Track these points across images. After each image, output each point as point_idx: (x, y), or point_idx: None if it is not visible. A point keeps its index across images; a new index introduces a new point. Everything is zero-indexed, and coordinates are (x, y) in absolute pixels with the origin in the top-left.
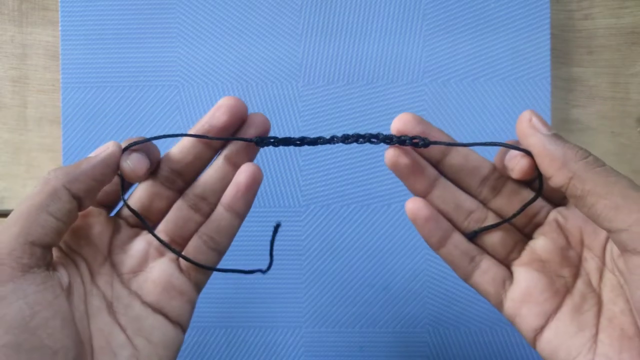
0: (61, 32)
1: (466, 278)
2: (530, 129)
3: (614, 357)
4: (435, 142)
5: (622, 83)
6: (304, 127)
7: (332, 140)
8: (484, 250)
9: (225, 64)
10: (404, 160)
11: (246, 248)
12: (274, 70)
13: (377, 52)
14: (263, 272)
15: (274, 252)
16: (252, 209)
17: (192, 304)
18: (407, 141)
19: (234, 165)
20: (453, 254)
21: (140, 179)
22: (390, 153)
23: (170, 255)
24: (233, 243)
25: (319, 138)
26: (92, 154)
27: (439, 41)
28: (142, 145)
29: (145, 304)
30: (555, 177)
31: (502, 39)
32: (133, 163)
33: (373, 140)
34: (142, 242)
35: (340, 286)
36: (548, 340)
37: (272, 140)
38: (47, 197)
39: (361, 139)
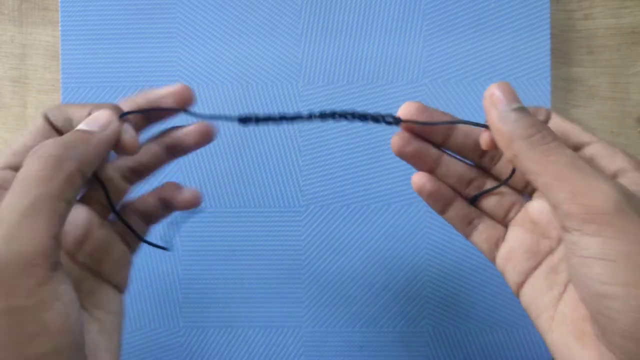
0: (61, 32)
1: (466, 237)
2: (489, 106)
3: (568, 315)
4: (408, 121)
5: (622, 83)
6: (304, 127)
7: (310, 117)
8: (484, 212)
9: (225, 64)
10: (409, 148)
11: (246, 248)
12: (274, 70)
13: (377, 52)
14: (167, 249)
15: (278, 252)
16: (251, 209)
17: (130, 266)
18: (381, 120)
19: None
20: (454, 218)
21: (135, 153)
22: (396, 142)
23: (99, 217)
24: (233, 242)
25: (298, 115)
26: (95, 128)
27: (439, 41)
28: (126, 118)
29: (96, 275)
30: (505, 153)
31: (502, 39)
32: (131, 135)
33: (347, 117)
34: (81, 214)
35: (340, 286)
36: (526, 295)
37: (253, 118)
38: (63, 183)
39: (337, 116)
